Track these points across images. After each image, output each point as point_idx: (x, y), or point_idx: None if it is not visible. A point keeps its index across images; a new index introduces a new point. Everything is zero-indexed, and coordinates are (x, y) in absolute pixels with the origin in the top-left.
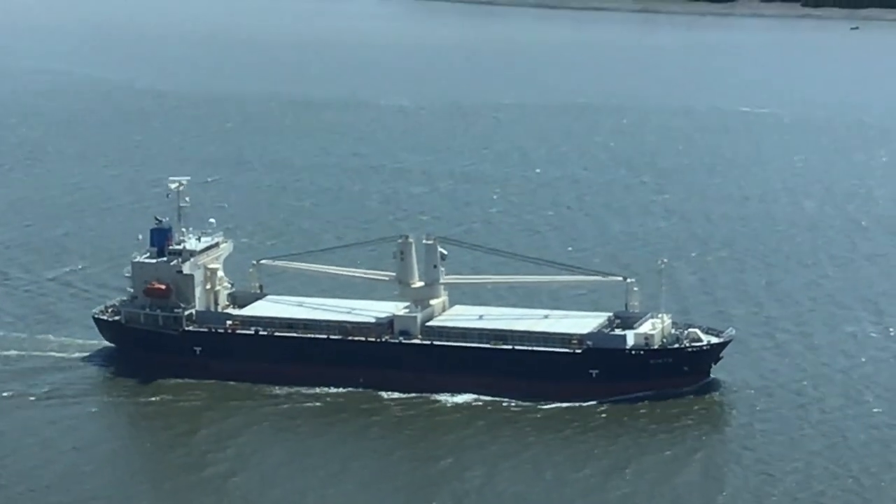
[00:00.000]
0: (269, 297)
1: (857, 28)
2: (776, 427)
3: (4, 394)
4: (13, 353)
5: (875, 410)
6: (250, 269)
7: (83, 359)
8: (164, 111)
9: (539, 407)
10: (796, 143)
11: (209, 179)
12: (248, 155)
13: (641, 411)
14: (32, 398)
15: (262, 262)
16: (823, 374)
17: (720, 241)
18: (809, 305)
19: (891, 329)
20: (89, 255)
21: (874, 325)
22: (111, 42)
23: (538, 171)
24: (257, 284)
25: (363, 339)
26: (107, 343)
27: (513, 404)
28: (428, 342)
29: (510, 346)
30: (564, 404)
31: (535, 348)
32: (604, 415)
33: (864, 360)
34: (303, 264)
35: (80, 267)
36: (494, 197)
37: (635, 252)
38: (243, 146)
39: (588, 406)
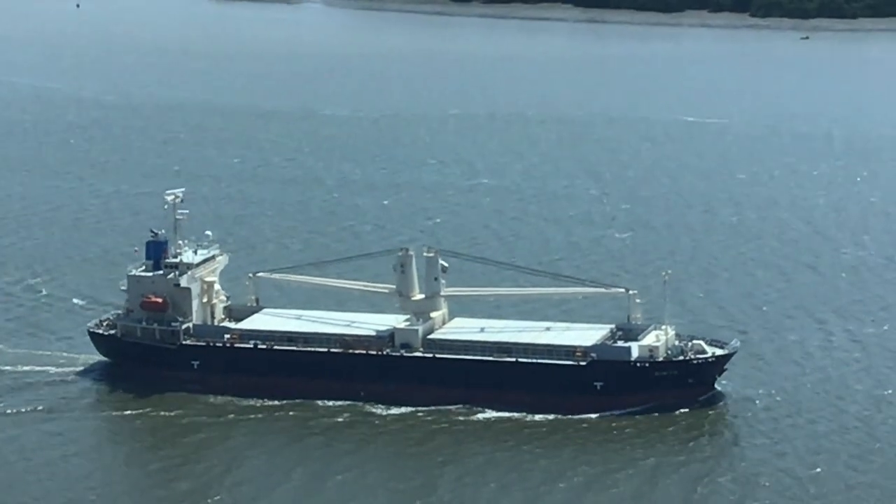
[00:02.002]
0: (265, 310)
1: (807, 38)
2: (781, 439)
3: None
4: (5, 368)
5: (883, 422)
6: (247, 283)
7: (77, 373)
8: (109, 121)
9: (543, 420)
10: (739, 153)
11: (146, 191)
12: (194, 165)
13: (646, 424)
14: (26, 413)
15: (259, 274)
16: (828, 386)
17: (687, 251)
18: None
19: None
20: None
21: (880, 336)
22: (58, 53)
23: (485, 180)
24: (254, 297)
25: (364, 352)
26: (101, 357)
27: (517, 417)
28: (430, 355)
29: (514, 359)
30: (569, 417)
31: (539, 361)
32: (608, 428)
33: (872, 371)
34: (301, 277)
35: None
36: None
37: (589, 262)
38: (188, 157)
39: (592, 418)
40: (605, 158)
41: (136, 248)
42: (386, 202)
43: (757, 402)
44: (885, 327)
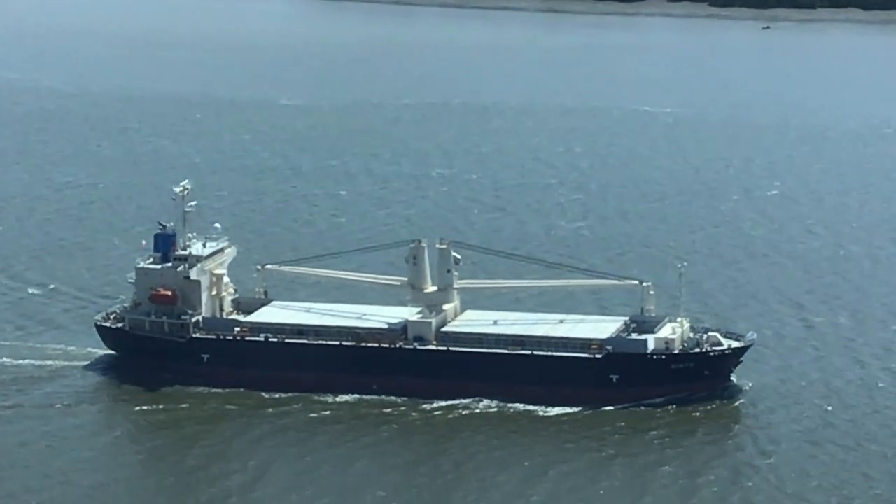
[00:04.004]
0: (274, 302)
1: (768, 28)
2: (799, 432)
3: (2, 403)
4: (7, 361)
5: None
6: (255, 275)
7: (84, 367)
8: (65, 111)
9: (558, 413)
10: (690, 141)
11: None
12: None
13: (663, 417)
14: (33, 408)
15: (268, 267)
16: (846, 378)
17: (663, 240)
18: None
19: None
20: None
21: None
22: (18, 40)
23: (440, 171)
24: (262, 290)
25: (377, 345)
26: (107, 351)
27: (532, 410)
28: (444, 348)
29: (528, 352)
30: (585, 410)
31: (555, 353)
32: (625, 420)
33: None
34: (311, 269)
35: None
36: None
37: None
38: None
39: (609, 411)
40: (561, 148)
41: (143, 241)
42: (343, 192)
43: (774, 394)
44: None
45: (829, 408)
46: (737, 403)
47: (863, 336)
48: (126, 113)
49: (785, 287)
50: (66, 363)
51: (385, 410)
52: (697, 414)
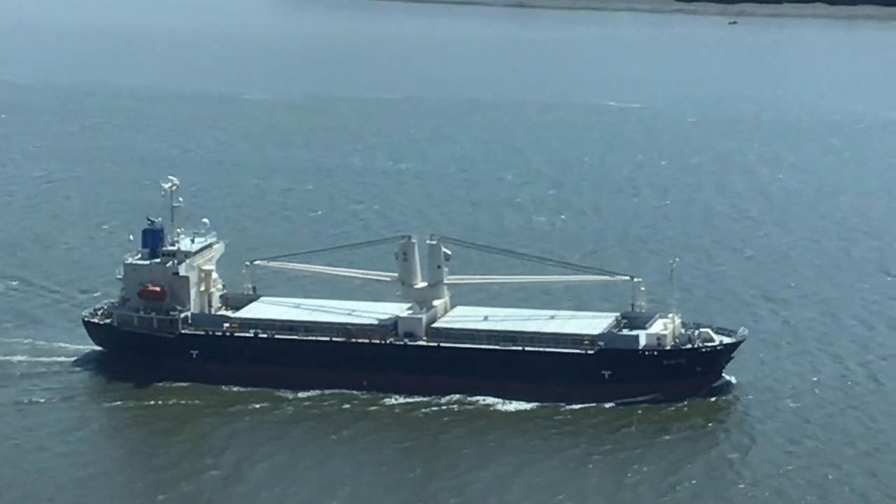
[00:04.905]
0: (263, 298)
1: (735, 22)
2: (789, 426)
3: None
4: None
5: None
6: (244, 271)
7: (72, 363)
8: (29, 105)
9: (550, 409)
10: (662, 136)
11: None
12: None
13: (655, 413)
14: (15, 404)
15: (257, 262)
16: (837, 374)
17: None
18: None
19: None
20: None
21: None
22: None
23: (403, 166)
24: (250, 286)
25: (367, 341)
26: (94, 347)
27: (523, 407)
28: (434, 344)
29: (520, 348)
30: (576, 406)
31: (546, 349)
32: (617, 416)
33: (882, 360)
34: (300, 265)
35: None
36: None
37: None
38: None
39: (600, 408)
40: (530, 143)
41: (131, 236)
42: (314, 188)
43: (765, 390)
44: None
45: (822, 403)
46: (728, 399)
47: (839, 331)
48: (91, 107)
49: (761, 282)
50: (54, 359)
51: (371, 408)
52: (690, 410)
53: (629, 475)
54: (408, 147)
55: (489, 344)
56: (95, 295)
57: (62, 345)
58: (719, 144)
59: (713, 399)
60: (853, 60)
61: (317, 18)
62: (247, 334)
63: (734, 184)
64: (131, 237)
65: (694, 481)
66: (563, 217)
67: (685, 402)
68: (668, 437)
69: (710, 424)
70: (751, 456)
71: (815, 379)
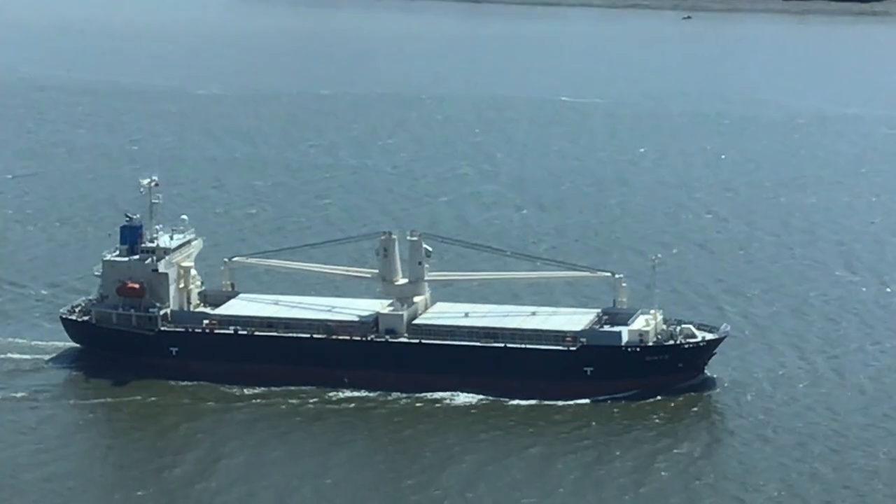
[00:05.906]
0: (241, 295)
1: (689, 17)
2: (772, 422)
3: None
4: None
5: (873, 405)
6: (222, 268)
7: (49, 360)
8: None
9: (532, 405)
10: (617, 131)
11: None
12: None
13: (637, 409)
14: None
15: (236, 259)
16: (818, 369)
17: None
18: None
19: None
20: None
21: (870, 317)
22: None
23: (369, 161)
24: (229, 283)
25: (348, 337)
26: (72, 344)
27: (505, 403)
28: (416, 341)
29: (502, 344)
30: (558, 402)
31: (528, 346)
32: (598, 413)
33: (859, 354)
34: (280, 262)
35: None
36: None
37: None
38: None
39: (582, 404)
40: (491, 138)
41: (109, 233)
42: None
43: (747, 386)
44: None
45: (804, 399)
46: (711, 395)
47: (808, 327)
48: (44, 104)
49: (727, 277)
50: (31, 356)
51: (349, 405)
52: (672, 406)
53: (598, 471)
54: (372, 143)
55: (470, 340)
56: (74, 292)
57: (39, 342)
58: (680, 139)
59: (692, 395)
60: (808, 55)
61: (273, 15)
62: (227, 331)
63: (696, 179)
64: (109, 234)
65: (664, 474)
66: (524, 212)
67: (663, 398)
68: (639, 434)
69: (684, 420)
70: (720, 452)
71: (781, 373)
